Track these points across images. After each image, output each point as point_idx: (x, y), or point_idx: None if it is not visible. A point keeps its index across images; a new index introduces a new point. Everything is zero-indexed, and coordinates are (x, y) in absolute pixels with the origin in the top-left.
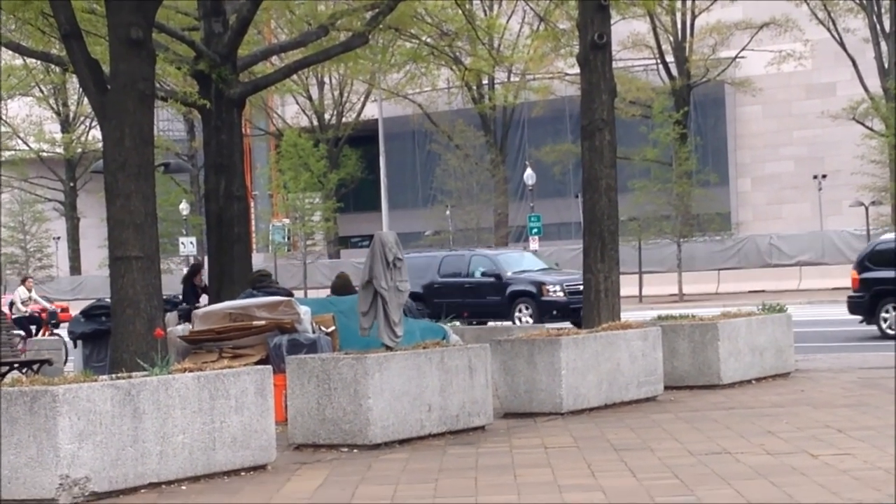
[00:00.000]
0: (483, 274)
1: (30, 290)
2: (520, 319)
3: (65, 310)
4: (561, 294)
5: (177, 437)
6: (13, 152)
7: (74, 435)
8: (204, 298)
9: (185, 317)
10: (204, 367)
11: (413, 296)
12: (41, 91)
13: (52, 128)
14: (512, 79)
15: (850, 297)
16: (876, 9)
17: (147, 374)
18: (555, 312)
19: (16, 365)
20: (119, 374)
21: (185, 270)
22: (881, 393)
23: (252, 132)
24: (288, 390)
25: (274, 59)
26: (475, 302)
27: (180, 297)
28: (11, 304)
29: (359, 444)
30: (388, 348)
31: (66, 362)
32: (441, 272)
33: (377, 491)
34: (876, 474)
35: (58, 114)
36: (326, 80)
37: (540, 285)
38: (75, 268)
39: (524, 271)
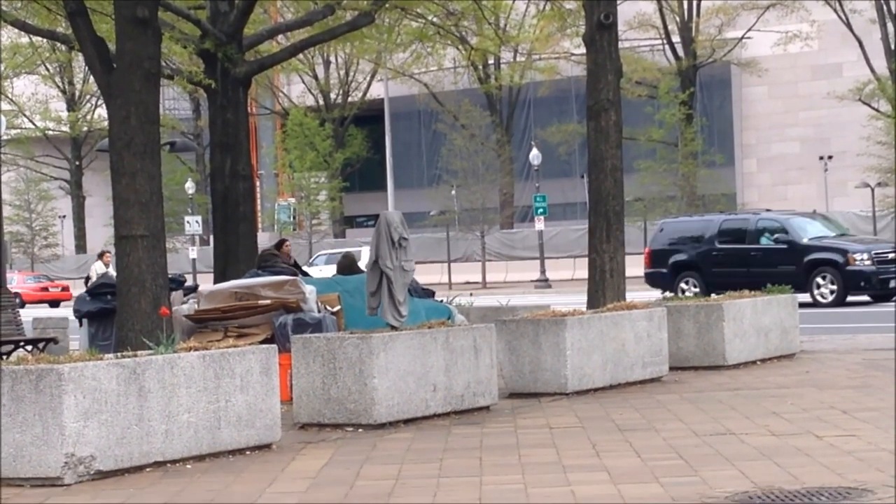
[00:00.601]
0: (775, 240)
1: (107, 266)
2: (818, 289)
3: (65, 288)
4: (869, 263)
5: (182, 416)
6: (19, 130)
7: (80, 413)
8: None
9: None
10: (209, 346)
11: (686, 265)
12: (47, 69)
13: (57, 106)
14: (518, 59)
15: None
16: None
17: (152, 352)
18: (862, 284)
19: (21, 343)
20: (124, 353)
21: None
22: (886, 374)
23: (258, 111)
24: (293, 369)
25: (280, 38)
26: (762, 272)
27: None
28: (87, 279)
29: (364, 423)
30: (393, 328)
31: None
32: (720, 238)
33: (382, 470)
34: (880, 455)
35: (63, 92)
36: (332, 59)
37: (845, 253)
38: (81, 246)
39: (822, 237)
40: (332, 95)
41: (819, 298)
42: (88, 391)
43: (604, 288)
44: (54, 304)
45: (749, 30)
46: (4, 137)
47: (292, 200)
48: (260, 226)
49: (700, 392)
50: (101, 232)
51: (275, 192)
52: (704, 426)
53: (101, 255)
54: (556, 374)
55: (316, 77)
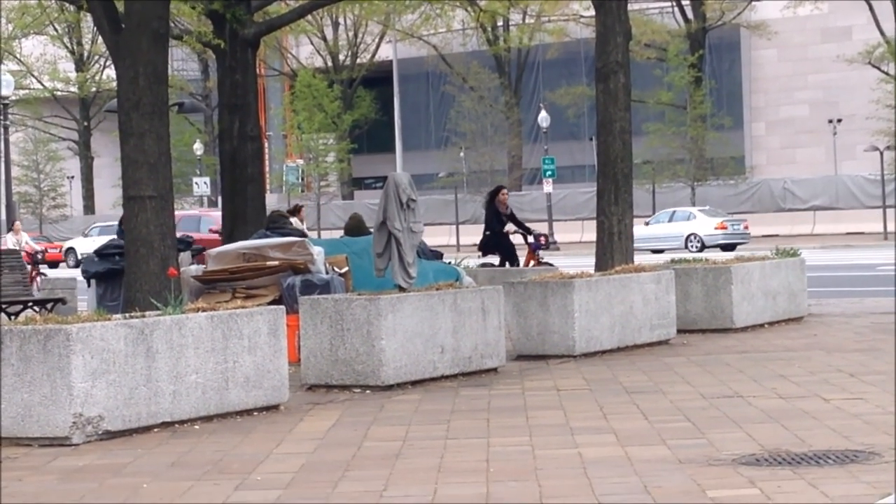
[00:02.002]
0: None
1: (302, 222)
2: None
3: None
4: None
5: (190, 377)
6: (27, 91)
7: (88, 374)
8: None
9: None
10: (217, 307)
11: None
12: (55, 30)
13: (66, 67)
14: (527, 20)
15: None
16: None
17: (160, 313)
18: None
19: (29, 303)
20: (132, 314)
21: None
22: (893, 338)
23: (266, 72)
24: (301, 331)
25: None
26: None
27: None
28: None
29: (371, 384)
30: (402, 289)
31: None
32: None
33: (389, 431)
34: (887, 419)
35: (72, 52)
36: (341, 20)
37: None
38: (89, 207)
39: None
40: (341, 57)
41: None
42: (96, 351)
43: (612, 250)
44: (53, 265)
45: None
46: (13, 98)
47: (300, 162)
48: (268, 187)
49: (708, 355)
50: (109, 193)
51: (283, 153)
52: (712, 389)
53: (297, 211)
54: (564, 337)
55: (325, 38)
